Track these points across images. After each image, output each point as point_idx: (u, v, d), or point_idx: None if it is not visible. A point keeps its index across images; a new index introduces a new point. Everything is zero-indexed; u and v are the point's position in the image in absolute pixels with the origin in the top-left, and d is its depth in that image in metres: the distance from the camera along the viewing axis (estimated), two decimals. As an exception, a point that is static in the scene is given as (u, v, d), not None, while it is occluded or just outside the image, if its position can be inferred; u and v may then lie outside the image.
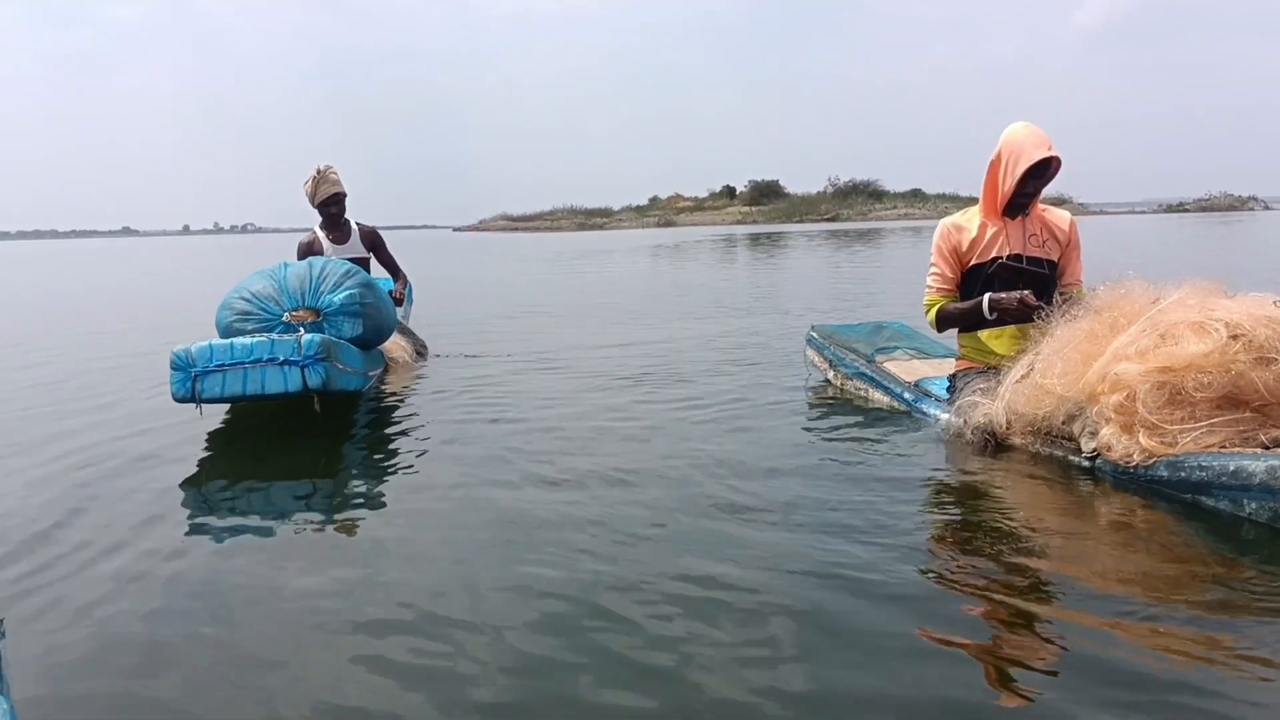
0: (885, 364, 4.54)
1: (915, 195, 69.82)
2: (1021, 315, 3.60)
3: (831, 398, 4.68)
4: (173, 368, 4.09)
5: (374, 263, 6.27)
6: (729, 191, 79.00)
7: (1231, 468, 2.62)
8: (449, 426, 4.29)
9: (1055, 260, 3.84)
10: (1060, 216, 3.92)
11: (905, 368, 4.47)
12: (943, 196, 67.85)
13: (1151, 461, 2.85)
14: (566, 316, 9.88)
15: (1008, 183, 3.67)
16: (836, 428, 4.06)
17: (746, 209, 72.26)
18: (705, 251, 26.17)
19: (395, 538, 2.86)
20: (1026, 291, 3.60)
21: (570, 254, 27.41)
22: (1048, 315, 3.41)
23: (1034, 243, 3.80)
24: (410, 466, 3.71)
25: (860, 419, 4.16)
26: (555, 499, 3.12)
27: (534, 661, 2.01)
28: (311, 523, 3.09)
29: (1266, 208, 61.38)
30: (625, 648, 2.05)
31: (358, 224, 6.18)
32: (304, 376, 4.08)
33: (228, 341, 4.14)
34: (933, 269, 3.94)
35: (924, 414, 4.00)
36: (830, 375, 4.91)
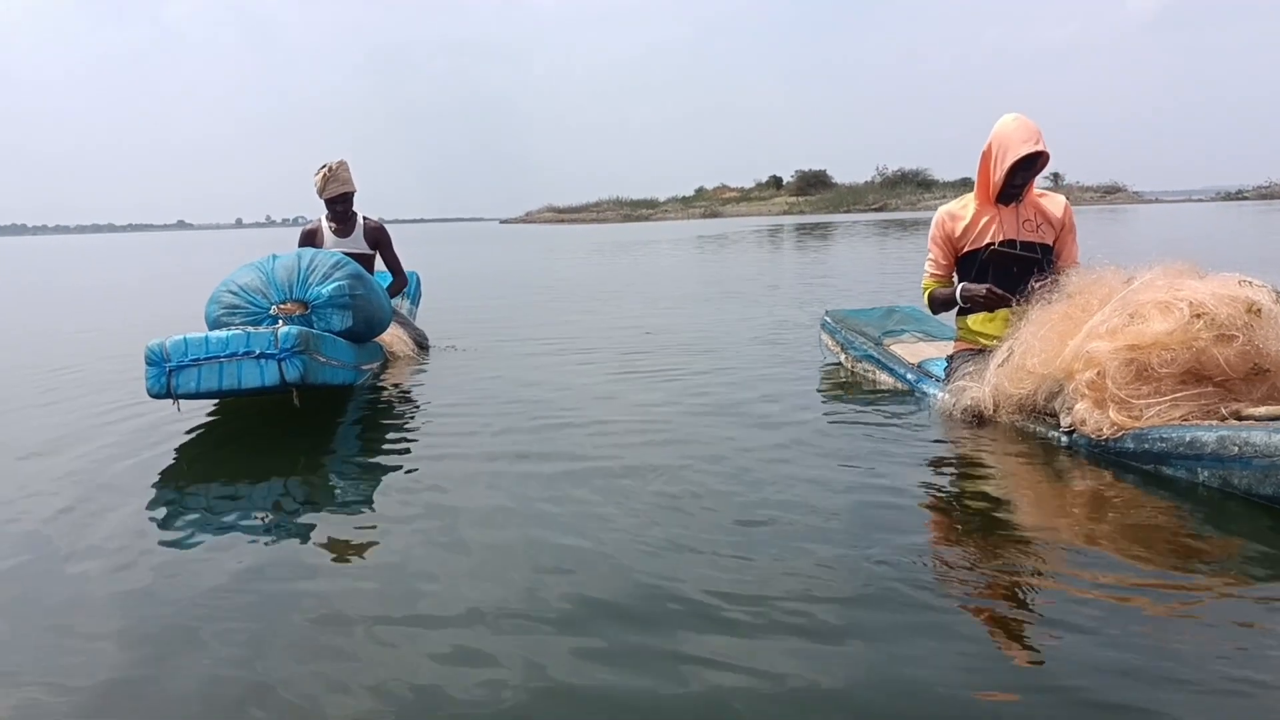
0: (892, 346, 4.72)
1: (965, 184, 68.93)
2: (989, 305, 3.82)
3: (843, 379, 4.86)
4: (147, 363, 3.99)
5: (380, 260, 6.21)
6: (775, 182, 78.82)
7: (1188, 439, 2.79)
8: (447, 419, 4.25)
9: (1050, 244, 4.00)
10: (1054, 202, 4.07)
11: (911, 350, 4.65)
12: (992, 185, 66.68)
13: (1120, 434, 3.01)
14: (588, 304, 10.07)
15: (997, 174, 3.85)
16: (842, 407, 4.26)
17: (793, 199, 72.09)
18: (750, 242, 26.28)
19: (384, 539, 2.77)
20: (989, 285, 3.82)
21: (613, 245, 27.64)
22: (1027, 298, 3.58)
23: (1027, 228, 3.96)
24: (402, 463, 3.60)
25: (865, 398, 4.35)
26: (556, 493, 3.09)
27: (552, 669, 1.96)
28: (292, 525, 2.92)
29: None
30: (649, 638, 2.07)
31: (365, 219, 6.16)
32: (281, 370, 3.97)
33: (202, 335, 4.05)
34: (929, 255, 4.13)
35: (924, 393, 4.18)
36: (842, 358, 5.10)
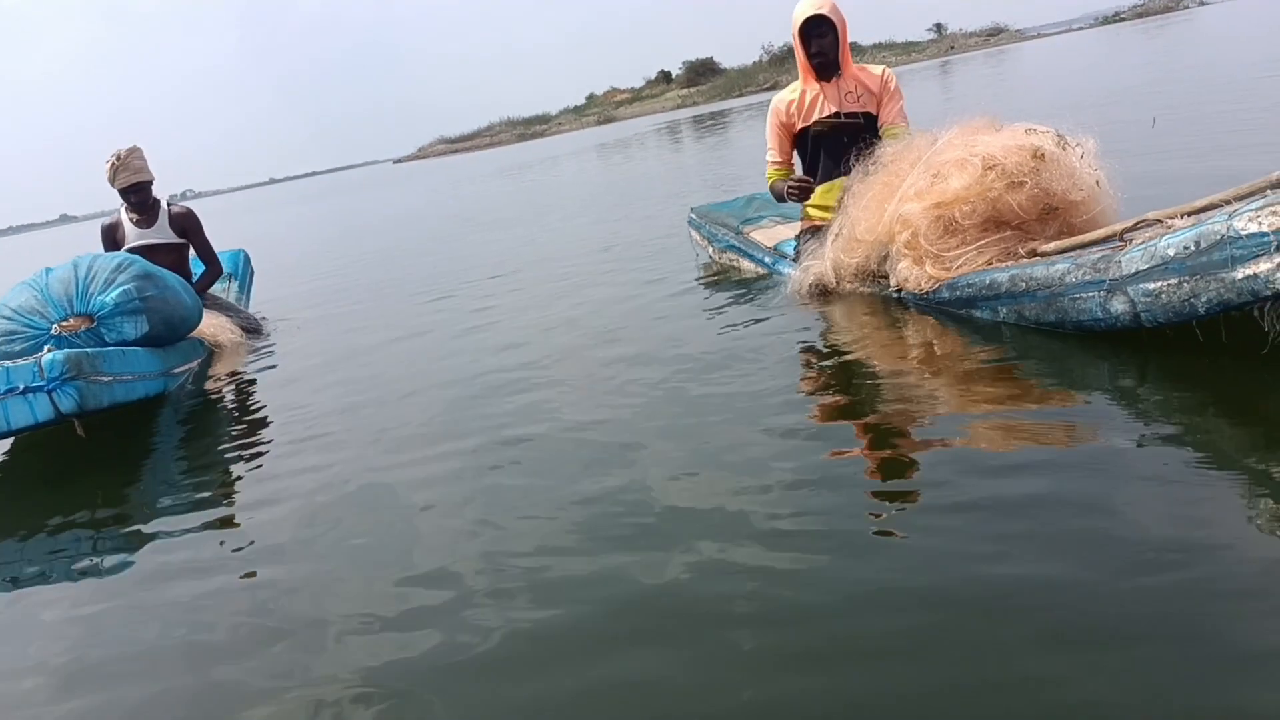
0: (751, 233, 4.96)
1: (852, 48, 68.81)
2: (803, 193, 4.18)
3: (714, 273, 5.08)
4: None
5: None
6: (665, 76, 78.03)
7: (987, 281, 3.07)
8: (284, 409, 3.90)
9: (872, 112, 4.26)
10: (872, 73, 4.31)
11: (770, 234, 4.89)
12: (879, 46, 67.11)
13: (936, 286, 3.30)
14: (453, 242, 10.06)
15: (799, 49, 4.14)
16: (709, 298, 4.50)
17: (685, 91, 71.44)
18: (650, 142, 26.19)
19: (224, 543, 2.59)
20: (793, 179, 4.24)
21: (511, 166, 27.32)
22: (858, 162, 3.80)
23: (849, 99, 4.22)
24: (230, 468, 3.29)
25: (731, 287, 4.60)
26: (418, 469, 2.90)
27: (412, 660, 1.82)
28: (100, 561, 2.64)
29: (1202, 3, 60.71)
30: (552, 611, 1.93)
31: (169, 205, 5.63)
32: (54, 402, 3.55)
33: None
34: (769, 147, 4.38)
35: (780, 274, 4.43)
36: (709, 251, 5.32)
